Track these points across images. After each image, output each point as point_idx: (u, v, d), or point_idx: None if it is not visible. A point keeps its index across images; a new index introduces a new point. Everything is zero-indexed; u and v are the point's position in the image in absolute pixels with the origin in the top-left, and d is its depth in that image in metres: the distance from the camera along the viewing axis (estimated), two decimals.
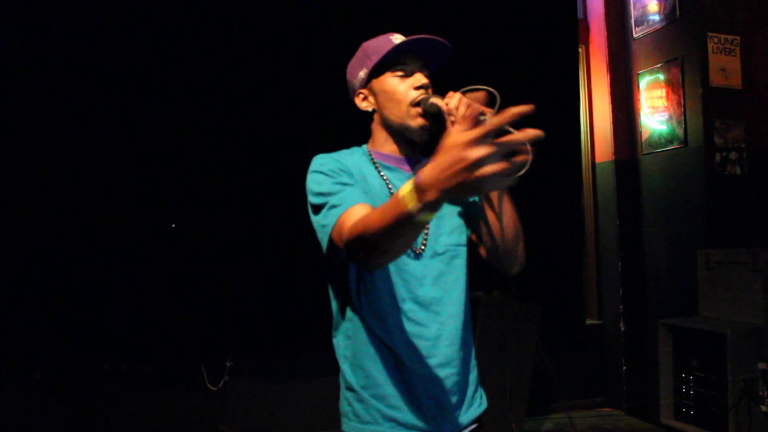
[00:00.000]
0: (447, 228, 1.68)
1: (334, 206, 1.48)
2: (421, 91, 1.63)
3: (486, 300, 3.85)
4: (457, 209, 1.74)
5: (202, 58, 3.99)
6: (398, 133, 1.67)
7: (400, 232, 1.21)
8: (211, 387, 4.06)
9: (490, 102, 1.57)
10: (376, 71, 1.66)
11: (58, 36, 3.75)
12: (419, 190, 1.13)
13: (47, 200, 3.72)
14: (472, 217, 1.76)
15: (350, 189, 1.52)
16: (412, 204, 1.14)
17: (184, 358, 4.00)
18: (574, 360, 5.09)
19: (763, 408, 3.54)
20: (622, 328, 4.96)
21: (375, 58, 1.64)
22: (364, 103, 1.71)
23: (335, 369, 1.68)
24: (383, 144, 1.70)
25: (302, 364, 4.18)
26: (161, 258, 3.90)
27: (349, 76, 1.75)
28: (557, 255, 4.80)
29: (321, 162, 1.60)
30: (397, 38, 1.66)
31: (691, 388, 3.93)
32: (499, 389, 3.81)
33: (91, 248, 3.78)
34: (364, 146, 1.75)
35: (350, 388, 1.60)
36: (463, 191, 1.08)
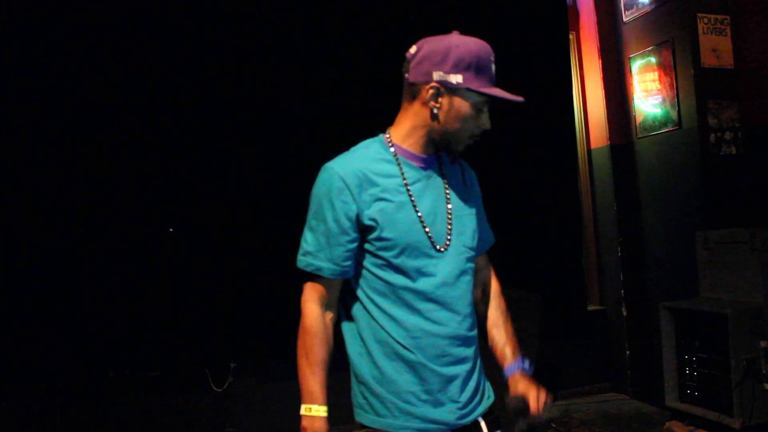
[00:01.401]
0: (468, 228, 1.73)
1: (303, 250, 1.66)
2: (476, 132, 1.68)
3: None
4: (474, 213, 1.78)
5: (210, 60, 4.00)
6: (440, 142, 1.67)
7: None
8: (216, 389, 4.07)
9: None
10: (468, 90, 1.61)
11: (57, 36, 3.75)
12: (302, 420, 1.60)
13: (52, 209, 3.73)
14: (479, 249, 1.83)
15: (322, 240, 1.61)
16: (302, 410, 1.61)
17: (188, 362, 4.01)
18: (578, 346, 5.10)
19: (767, 386, 3.55)
20: (624, 313, 4.97)
21: (477, 85, 1.59)
22: (433, 101, 1.61)
23: (339, 367, 1.70)
24: (412, 141, 1.67)
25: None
26: (163, 261, 3.91)
27: (433, 57, 1.60)
28: (556, 242, 4.82)
29: (319, 183, 1.63)
30: (493, 63, 1.66)
31: (695, 370, 3.94)
32: (501, 378, 3.81)
33: (93, 255, 3.78)
34: (382, 137, 1.71)
35: (364, 382, 1.63)
36: None
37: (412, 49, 1.65)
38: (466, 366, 1.66)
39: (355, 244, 1.61)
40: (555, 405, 4.81)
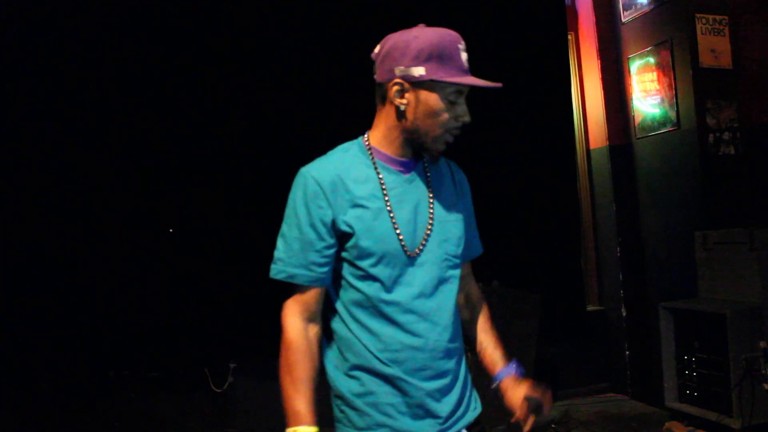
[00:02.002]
0: (452, 235, 1.64)
1: (276, 258, 1.60)
2: (455, 127, 1.57)
3: (485, 290, 3.84)
4: (462, 220, 1.69)
5: (206, 62, 4.00)
6: (414, 142, 1.58)
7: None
8: (215, 389, 4.07)
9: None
10: (433, 81, 1.52)
11: (57, 34, 3.75)
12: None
13: (52, 209, 3.73)
14: (465, 256, 1.75)
15: (295, 246, 1.56)
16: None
17: (188, 362, 4.01)
18: (577, 347, 5.10)
19: (766, 386, 3.56)
20: (624, 313, 4.97)
21: (441, 74, 1.49)
22: (398, 98, 1.53)
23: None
24: (388, 143, 1.59)
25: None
26: (163, 261, 3.91)
27: (393, 53, 1.53)
28: (555, 243, 4.82)
29: (295, 187, 1.58)
30: (463, 50, 1.55)
31: (694, 370, 3.95)
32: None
33: (93, 255, 3.79)
34: (361, 140, 1.63)
35: (340, 396, 1.58)
36: None
37: (376, 49, 1.58)
38: (448, 379, 1.60)
39: (332, 251, 1.55)
40: (555, 406, 4.81)
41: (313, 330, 1.59)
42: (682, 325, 4.05)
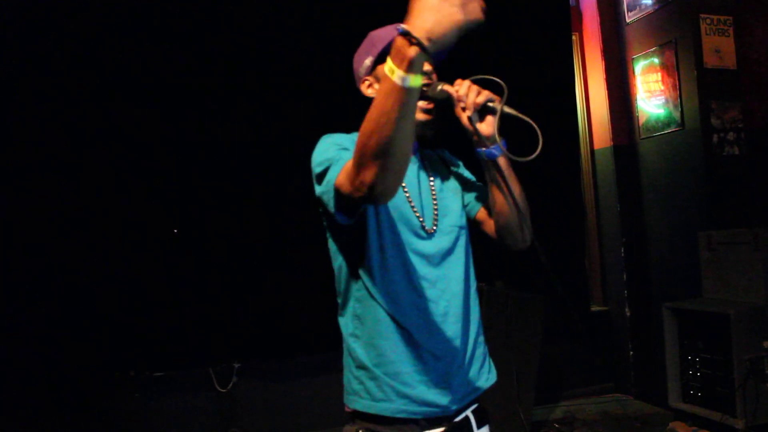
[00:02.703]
0: (451, 208, 1.76)
1: (335, 165, 1.48)
2: (424, 77, 1.62)
3: (489, 290, 3.86)
4: (459, 192, 1.82)
5: (210, 63, 4.03)
6: None
7: (399, 114, 1.19)
8: (220, 389, 4.09)
9: (496, 92, 1.64)
10: (381, 58, 1.66)
11: (58, 35, 3.77)
12: (398, 53, 1.16)
13: (57, 210, 3.75)
14: (477, 198, 1.83)
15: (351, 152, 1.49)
16: (397, 71, 1.17)
17: (192, 362, 4.02)
18: (581, 347, 5.11)
19: None
20: (628, 313, 4.97)
21: (380, 46, 1.66)
22: (369, 90, 1.72)
23: (332, 368, 1.68)
24: None
25: (310, 363, 4.19)
26: (168, 262, 3.93)
27: (355, 64, 1.76)
28: (560, 243, 4.82)
29: (328, 136, 1.66)
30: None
31: (698, 370, 3.94)
32: (506, 379, 3.82)
33: (99, 256, 3.80)
34: None
35: (362, 366, 1.63)
36: (449, 28, 1.16)
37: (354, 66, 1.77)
38: (460, 344, 1.66)
39: None
40: (558, 406, 4.82)
41: None
42: (686, 326, 4.05)
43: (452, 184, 1.82)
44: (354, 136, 1.65)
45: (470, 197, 1.84)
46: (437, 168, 1.83)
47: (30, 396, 3.79)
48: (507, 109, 1.61)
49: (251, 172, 4.05)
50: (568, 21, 5.02)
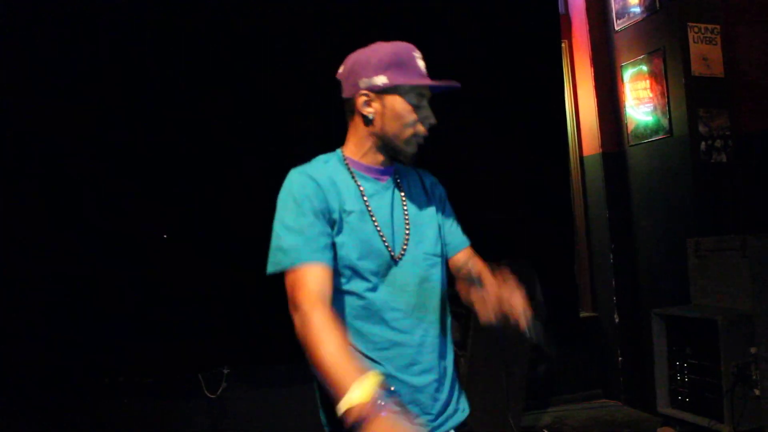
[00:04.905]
0: (427, 236, 1.73)
1: (284, 250, 1.56)
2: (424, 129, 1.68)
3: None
4: (435, 220, 1.79)
5: (205, 63, 4.02)
6: (387, 147, 1.69)
7: (322, 378, 1.39)
8: (209, 395, 4.07)
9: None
10: (393, 89, 1.64)
11: (53, 33, 3.76)
12: (354, 411, 1.26)
13: (46, 215, 3.73)
14: (455, 246, 1.83)
15: (308, 233, 1.55)
16: (342, 406, 1.28)
17: (181, 368, 4.01)
18: (570, 353, 5.12)
19: (757, 392, 3.57)
20: (617, 320, 5.00)
21: (402, 79, 1.62)
22: (366, 108, 1.65)
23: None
24: (363, 154, 1.70)
25: (300, 370, 4.17)
26: (157, 268, 3.91)
27: (356, 68, 1.67)
28: (549, 249, 4.83)
29: (292, 183, 1.63)
30: (419, 58, 1.68)
31: (686, 376, 3.97)
32: (495, 385, 3.83)
33: (86, 261, 3.79)
34: (339, 152, 1.74)
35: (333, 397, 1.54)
36: None
37: (341, 69, 1.71)
38: (436, 375, 1.65)
39: (329, 236, 1.59)
40: (548, 412, 4.83)
41: (329, 310, 1.52)
42: (674, 332, 4.07)
43: (429, 211, 1.79)
44: (318, 169, 1.65)
45: (449, 239, 1.82)
46: (414, 191, 1.80)
47: (16, 401, 3.77)
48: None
49: (241, 178, 4.05)
50: (558, 28, 5.04)
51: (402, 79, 1.62)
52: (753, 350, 3.62)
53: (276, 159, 4.00)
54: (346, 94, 1.70)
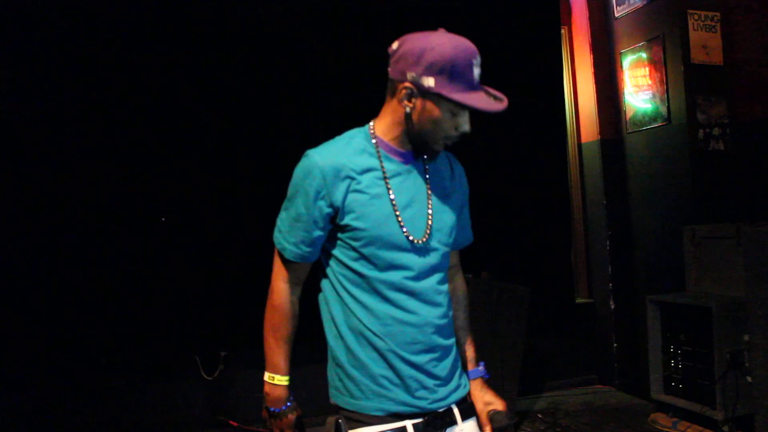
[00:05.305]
0: (446, 224, 1.73)
1: (281, 233, 1.69)
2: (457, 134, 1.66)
3: (475, 281, 3.89)
4: (456, 210, 1.78)
5: (206, 51, 4.04)
6: (416, 140, 1.65)
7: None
8: (206, 377, 4.10)
9: None
10: (441, 94, 1.57)
11: (51, 31, 3.77)
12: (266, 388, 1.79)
13: (45, 201, 3.75)
14: (460, 240, 1.87)
15: (297, 227, 1.64)
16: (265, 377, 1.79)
17: (179, 350, 4.03)
18: (566, 339, 5.16)
19: (749, 379, 3.60)
20: (612, 306, 5.02)
21: (448, 91, 1.55)
22: (407, 101, 1.60)
23: (319, 359, 1.74)
24: (392, 135, 1.66)
25: (297, 351, 4.19)
26: (155, 250, 3.93)
27: (408, 57, 1.58)
28: (545, 236, 4.86)
29: (299, 169, 1.64)
30: (477, 65, 1.59)
31: (680, 363, 4.00)
32: (490, 370, 3.85)
33: (84, 243, 3.80)
34: (367, 129, 1.70)
35: (340, 365, 1.66)
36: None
37: (394, 45, 1.63)
38: (437, 354, 1.67)
39: (320, 233, 1.63)
40: (542, 397, 4.87)
41: (297, 294, 1.75)
42: (668, 318, 4.10)
43: (453, 199, 1.77)
44: (336, 152, 1.64)
45: (458, 233, 1.82)
46: (441, 177, 1.77)
47: (13, 381, 3.79)
48: None
49: (240, 162, 4.06)
50: (557, 14, 5.04)
51: (448, 90, 1.54)
52: (746, 338, 3.63)
53: (275, 146, 4.03)
54: (392, 74, 1.63)
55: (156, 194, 3.93)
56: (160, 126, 3.95)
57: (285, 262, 1.70)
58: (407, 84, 1.58)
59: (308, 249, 1.66)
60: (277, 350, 1.75)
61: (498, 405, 1.80)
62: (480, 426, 1.78)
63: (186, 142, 4.00)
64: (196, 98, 4.01)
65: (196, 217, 4.01)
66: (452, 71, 1.54)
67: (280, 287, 1.73)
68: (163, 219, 3.95)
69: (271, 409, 1.78)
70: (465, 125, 1.65)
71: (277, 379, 1.75)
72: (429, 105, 1.59)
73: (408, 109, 1.60)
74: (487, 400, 1.82)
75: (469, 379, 1.82)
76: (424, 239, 1.65)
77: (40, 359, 3.77)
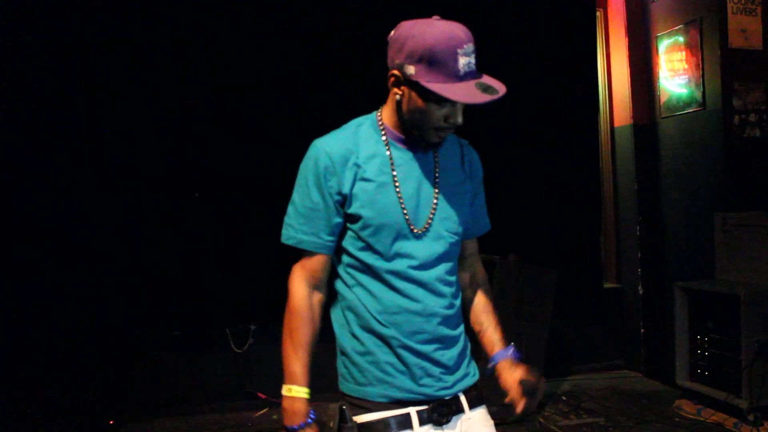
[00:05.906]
0: (455, 212, 1.69)
1: (290, 227, 1.66)
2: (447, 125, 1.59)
3: (502, 263, 3.90)
4: (467, 197, 1.75)
5: (218, 40, 4.10)
6: (409, 130, 1.63)
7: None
8: (236, 350, 4.19)
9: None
10: (415, 83, 1.52)
11: (53, 30, 3.85)
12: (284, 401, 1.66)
13: (89, 170, 3.89)
14: (475, 230, 1.83)
15: (311, 217, 1.62)
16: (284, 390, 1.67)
17: (210, 322, 4.12)
18: (593, 323, 5.15)
19: None
20: (641, 292, 5.00)
21: (427, 80, 1.49)
22: (396, 88, 1.58)
23: (326, 338, 1.72)
24: (396, 124, 1.64)
25: (324, 327, 4.26)
26: (189, 225, 4.02)
27: (395, 44, 1.56)
28: (575, 219, 4.85)
29: (308, 159, 1.64)
30: (464, 54, 1.50)
31: (707, 350, 3.98)
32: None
33: (121, 217, 3.92)
34: (375, 116, 1.69)
35: (345, 353, 1.67)
36: None
37: (392, 33, 1.59)
38: (444, 344, 1.66)
39: (338, 220, 1.62)
40: (567, 380, 4.89)
41: (317, 297, 1.68)
42: (696, 305, 4.08)
43: (463, 187, 1.74)
44: (344, 140, 1.63)
45: (472, 222, 1.78)
46: (451, 164, 1.73)
47: (44, 353, 3.92)
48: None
49: (269, 138, 4.12)
50: None
51: (427, 79, 1.49)
52: None
53: (296, 125, 4.08)
54: (388, 62, 1.59)
55: (190, 171, 4.02)
56: (198, 107, 4.04)
57: (304, 255, 1.66)
58: (394, 71, 1.56)
59: (329, 238, 1.63)
60: (294, 357, 1.64)
61: (529, 377, 1.67)
62: (513, 403, 1.66)
63: (224, 118, 4.07)
64: (219, 82, 4.10)
65: (229, 193, 4.08)
66: (431, 60, 1.49)
67: (297, 288, 1.66)
68: (196, 195, 4.03)
69: (288, 428, 1.63)
70: (455, 117, 1.57)
71: (294, 391, 1.63)
72: (414, 94, 1.54)
73: (398, 97, 1.58)
74: (517, 376, 1.67)
75: (496, 362, 1.74)
76: (425, 228, 1.63)
77: (70, 330, 3.89)
